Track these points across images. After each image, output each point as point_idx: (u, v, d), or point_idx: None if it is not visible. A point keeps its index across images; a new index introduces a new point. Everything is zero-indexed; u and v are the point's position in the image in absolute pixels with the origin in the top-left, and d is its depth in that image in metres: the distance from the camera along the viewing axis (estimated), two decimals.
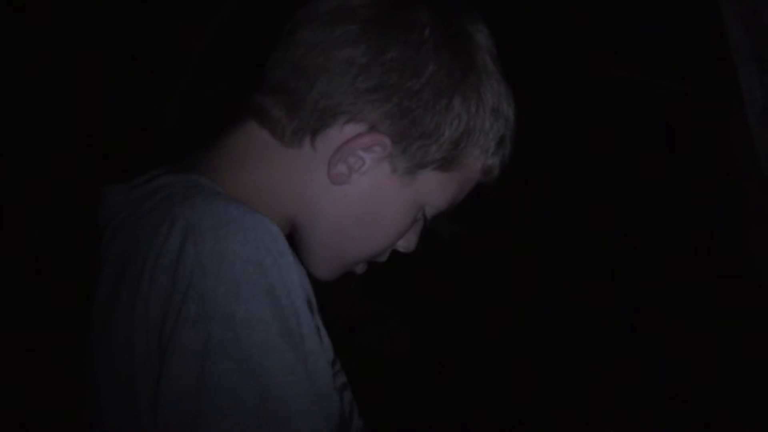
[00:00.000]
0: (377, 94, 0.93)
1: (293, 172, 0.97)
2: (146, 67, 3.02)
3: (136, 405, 0.83)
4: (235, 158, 0.98)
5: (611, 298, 3.66)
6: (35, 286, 3.03)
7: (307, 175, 0.97)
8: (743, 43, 1.74)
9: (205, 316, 0.78)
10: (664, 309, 3.54)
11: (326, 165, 0.95)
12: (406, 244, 1.06)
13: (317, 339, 0.86)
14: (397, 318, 3.64)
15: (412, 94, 0.94)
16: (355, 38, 0.94)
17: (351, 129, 0.94)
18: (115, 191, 0.98)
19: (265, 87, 0.98)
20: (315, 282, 0.95)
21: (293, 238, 1.02)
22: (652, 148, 3.63)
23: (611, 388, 3.44)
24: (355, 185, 0.97)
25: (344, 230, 0.99)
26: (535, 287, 3.78)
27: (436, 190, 1.00)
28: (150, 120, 3.13)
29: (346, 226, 0.99)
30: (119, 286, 0.86)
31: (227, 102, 1.07)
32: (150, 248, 0.82)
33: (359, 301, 3.53)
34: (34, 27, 2.92)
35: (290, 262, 0.83)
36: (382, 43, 0.93)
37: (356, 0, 0.96)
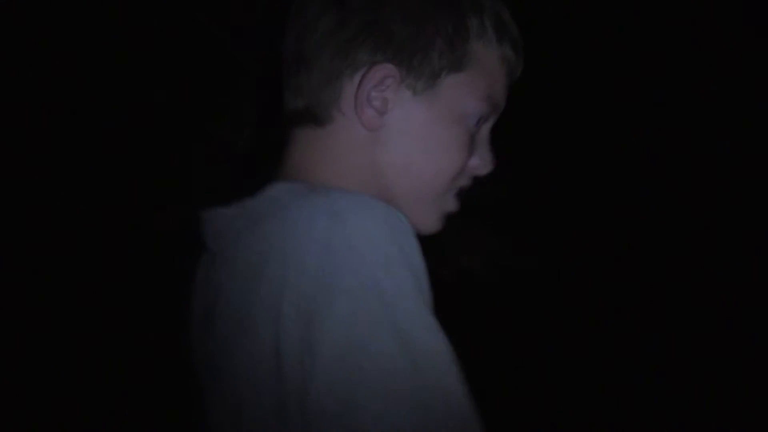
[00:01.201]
0: (360, 38, 0.98)
1: (344, 145, 1.01)
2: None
3: (284, 391, 0.84)
4: (306, 169, 1.02)
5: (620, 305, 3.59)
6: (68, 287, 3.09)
7: (353, 139, 1.01)
8: None
9: (359, 287, 0.80)
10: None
11: (356, 123, 1.00)
12: (480, 162, 1.07)
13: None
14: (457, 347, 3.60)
15: (387, 19, 0.97)
16: (324, 7, 0.99)
17: (357, 77, 0.99)
18: (222, 210, 1.01)
19: (285, 93, 1.04)
20: None
21: None
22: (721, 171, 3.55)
23: (612, 389, 3.42)
24: (392, 123, 1.00)
25: (411, 167, 1.01)
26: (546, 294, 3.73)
27: (464, 93, 1.01)
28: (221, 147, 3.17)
29: (410, 163, 1.01)
30: (258, 282, 0.87)
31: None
32: (294, 239, 0.85)
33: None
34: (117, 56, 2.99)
35: (416, 242, 0.86)
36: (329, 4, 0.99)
37: None
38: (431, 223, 1.06)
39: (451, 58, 0.99)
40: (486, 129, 1.07)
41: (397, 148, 1.01)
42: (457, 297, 3.27)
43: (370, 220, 0.84)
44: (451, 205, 1.08)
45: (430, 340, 0.81)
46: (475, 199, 3.33)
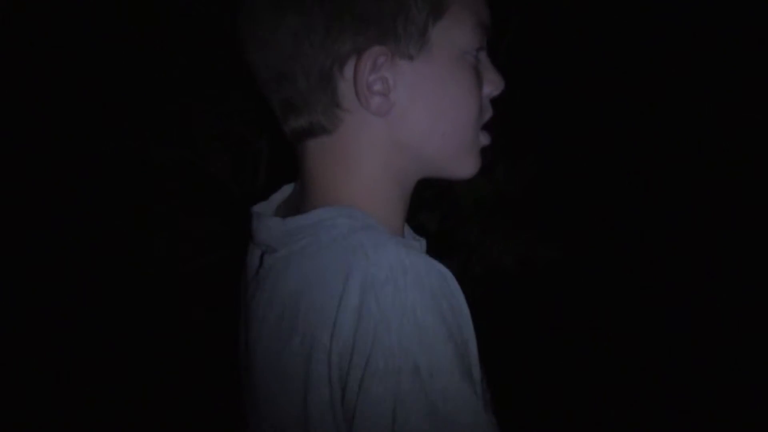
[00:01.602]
0: (334, 31, 0.93)
1: (363, 143, 0.98)
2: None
3: None
4: (331, 181, 0.99)
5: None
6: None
7: (370, 132, 0.97)
8: None
9: (393, 369, 0.79)
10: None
11: (367, 112, 0.96)
12: (491, 86, 1.04)
13: (480, 371, 0.87)
14: (497, 345, 3.62)
15: (343, 5, 0.92)
16: (279, 15, 0.94)
17: (347, 70, 0.95)
18: (270, 218, 1.00)
19: (280, 115, 1.00)
20: None
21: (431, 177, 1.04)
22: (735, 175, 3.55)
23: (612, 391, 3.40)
24: (401, 99, 0.96)
25: (435, 131, 0.98)
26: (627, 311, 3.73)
27: (455, 34, 0.97)
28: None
29: (433, 127, 0.98)
30: (291, 331, 0.88)
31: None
32: (326, 304, 0.84)
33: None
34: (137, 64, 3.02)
35: (461, 301, 0.85)
36: (284, 1, 0.94)
37: None
38: (473, 166, 1.04)
39: (430, 7, 0.95)
40: (483, 53, 1.03)
41: (415, 119, 0.97)
42: (490, 292, 3.30)
43: (407, 290, 0.82)
44: (485, 139, 1.05)
45: (465, 420, 0.80)
46: (499, 196, 3.34)
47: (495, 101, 1.06)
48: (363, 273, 0.83)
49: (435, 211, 3.18)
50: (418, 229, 1.14)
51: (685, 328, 3.65)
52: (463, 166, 1.03)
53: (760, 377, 3.31)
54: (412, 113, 0.97)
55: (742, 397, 3.28)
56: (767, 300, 3.57)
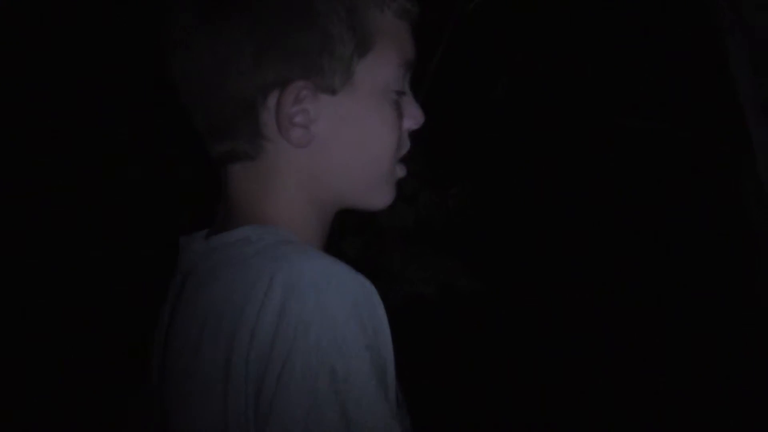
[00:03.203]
0: (258, 63, 0.92)
1: (284, 170, 0.98)
2: None
3: None
4: (253, 202, 0.99)
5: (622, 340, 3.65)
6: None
7: (291, 161, 0.97)
8: (753, 93, 1.76)
9: (311, 372, 0.79)
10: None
11: (289, 143, 0.95)
12: (413, 121, 1.04)
13: (397, 395, 0.87)
14: (415, 371, 3.62)
15: (276, 33, 0.93)
16: (201, 45, 0.94)
17: (271, 100, 0.94)
18: (195, 240, 1.00)
19: (204, 136, 1.00)
20: None
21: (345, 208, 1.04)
22: (662, 196, 3.64)
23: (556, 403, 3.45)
24: (321, 132, 0.96)
25: (354, 165, 0.99)
26: (553, 341, 3.77)
27: (380, 69, 0.97)
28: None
29: (352, 161, 0.99)
30: (213, 339, 0.87)
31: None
32: (247, 305, 0.83)
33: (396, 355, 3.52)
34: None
35: (382, 317, 0.85)
36: (212, 27, 0.94)
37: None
38: (387, 198, 1.04)
39: (356, 42, 0.95)
40: (406, 87, 1.02)
41: (334, 153, 0.97)
42: (410, 321, 3.30)
43: (329, 297, 0.82)
44: (401, 172, 1.05)
45: (378, 429, 0.80)
46: (422, 225, 3.35)
47: (420, 132, 1.07)
48: (286, 277, 0.83)
49: (357, 238, 3.18)
50: (339, 256, 1.14)
51: (608, 351, 3.70)
52: (378, 197, 1.04)
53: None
54: (332, 146, 0.97)
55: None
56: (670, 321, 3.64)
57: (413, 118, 1.04)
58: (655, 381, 3.58)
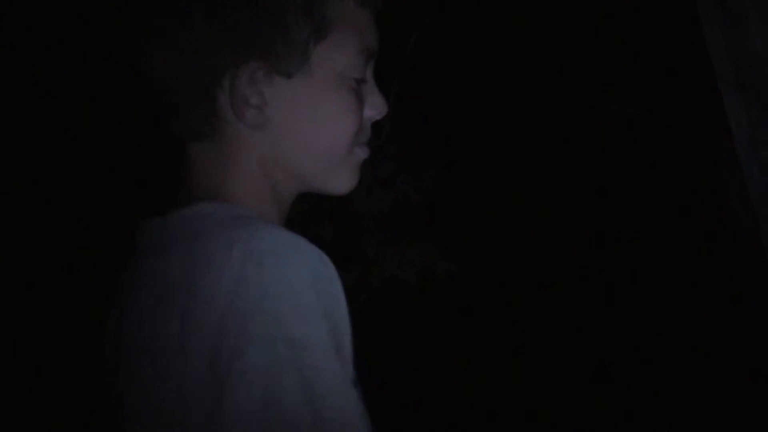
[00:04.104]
0: (213, 43, 0.94)
1: (239, 151, 0.98)
2: None
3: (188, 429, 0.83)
4: (211, 175, 1.00)
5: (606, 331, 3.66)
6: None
7: (246, 142, 0.98)
8: (728, 73, 1.75)
9: (269, 337, 0.79)
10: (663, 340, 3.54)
11: (244, 124, 0.96)
12: (373, 110, 1.05)
13: (352, 363, 0.87)
14: (392, 356, 3.62)
15: (232, 15, 0.93)
16: (161, 24, 0.96)
17: (225, 83, 0.95)
18: (151, 220, 1.00)
19: (162, 114, 1.00)
20: None
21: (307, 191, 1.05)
22: (641, 181, 3.65)
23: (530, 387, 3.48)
24: (276, 114, 0.97)
25: (310, 148, 1.00)
26: (530, 323, 3.79)
27: (337, 56, 0.99)
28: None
29: (308, 144, 0.99)
30: (164, 313, 0.86)
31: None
32: (205, 273, 0.83)
33: (354, 336, 3.51)
34: None
35: (339, 288, 0.85)
36: (170, 11, 0.95)
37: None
38: (349, 181, 1.04)
39: (312, 28, 0.96)
40: (369, 75, 1.04)
41: (289, 135, 0.98)
42: (388, 304, 3.29)
43: (288, 264, 0.82)
44: (362, 155, 1.05)
45: (337, 395, 0.80)
46: (399, 209, 3.34)
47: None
48: (245, 245, 0.83)
49: (333, 222, 3.17)
50: (315, 241, 1.13)
51: (586, 340, 3.72)
52: (338, 181, 1.04)
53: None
54: (287, 128, 0.98)
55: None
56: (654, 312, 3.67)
57: (375, 107, 1.05)
58: (627, 360, 3.59)
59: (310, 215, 3.17)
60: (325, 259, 0.85)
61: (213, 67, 0.95)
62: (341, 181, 1.04)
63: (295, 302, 0.81)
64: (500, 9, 3.41)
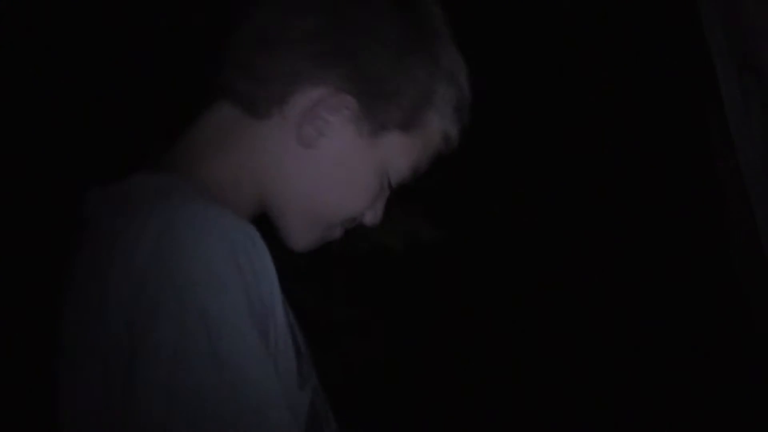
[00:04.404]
0: (338, 58, 0.96)
1: (267, 143, 0.99)
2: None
3: (110, 397, 0.82)
4: (210, 144, 0.99)
5: (591, 299, 3.66)
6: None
7: (280, 143, 0.98)
8: (722, 43, 1.73)
9: (180, 308, 0.78)
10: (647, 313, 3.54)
11: (293, 130, 0.97)
12: (374, 215, 1.08)
13: (289, 340, 0.87)
14: (377, 322, 3.63)
15: (371, 56, 0.96)
16: (312, 5, 0.97)
17: (316, 93, 0.96)
18: (95, 191, 0.98)
19: (230, 65, 1.00)
20: (296, 288, 0.93)
21: (269, 216, 1.04)
22: (633, 150, 3.64)
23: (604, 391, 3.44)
24: (324, 148, 0.98)
25: (319, 195, 1.01)
26: (515, 290, 3.78)
27: (399, 153, 1.01)
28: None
29: (321, 191, 1.00)
30: (90, 278, 0.86)
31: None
32: (125, 240, 0.83)
33: (339, 306, 3.51)
34: None
35: (266, 264, 0.84)
36: (339, 7, 0.97)
37: None
38: (306, 245, 1.05)
39: (405, 117, 0.99)
40: (392, 186, 1.06)
41: (314, 173, 0.99)
42: (375, 272, 3.28)
43: (206, 235, 0.81)
44: (335, 235, 1.08)
45: (251, 368, 0.79)
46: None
47: None
48: (166, 216, 0.82)
49: None
50: None
51: (567, 308, 3.72)
52: (301, 239, 1.04)
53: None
54: (316, 168, 0.99)
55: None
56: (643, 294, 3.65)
57: (374, 214, 1.07)
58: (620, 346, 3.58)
59: None
60: (252, 233, 0.84)
61: (321, 74, 0.96)
62: (301, 242, 1.04)
63: (210, 275, 0.79)
64: (501, 8, 3.38)
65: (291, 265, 1.02)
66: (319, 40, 0.96)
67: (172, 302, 0.78)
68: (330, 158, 0.99)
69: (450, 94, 1.02)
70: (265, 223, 1.01)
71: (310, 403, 0.96)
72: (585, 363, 3.58)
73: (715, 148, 2.04)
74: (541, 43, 3.51)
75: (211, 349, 0.77)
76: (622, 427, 3.42)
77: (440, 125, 1.03)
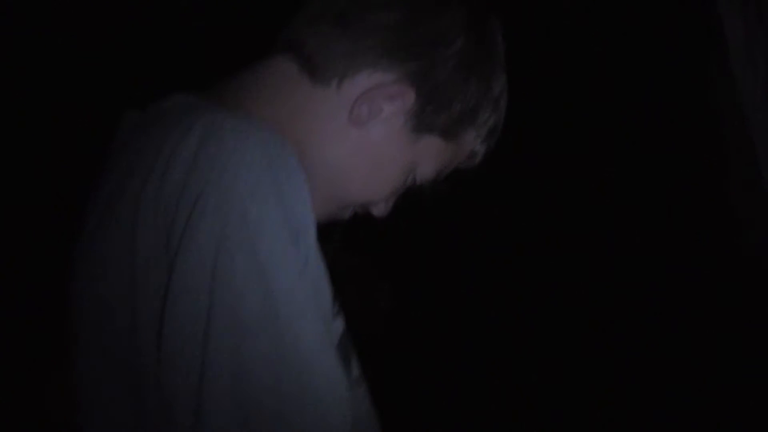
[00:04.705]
0: (409, 53, 1.00)
1: (314, 108, 1.01)
2: None
3: (136, 304, 0.83)
4: (264, 88, 1.02)
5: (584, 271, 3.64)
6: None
7: (328, 113, 1.01)
8: None
9: (222, 210, 0.78)
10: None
11: (347, 107, 1.00)
12: (385, 207, 1.12)
13: (323, 264, 0.87)
14: (378, 272, 3.63)
15: (440, 60, 1.01)
16: (395, 3, 1.01)
17: (379, 77, 1.00)
18: (130, 113, 1.00)
19: (305, 26, 1.03)
20: None
21: None
22: (631, 92, 3.59)
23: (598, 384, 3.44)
24: (369, 131, 1.01)
25: (348, 172, 1.03)
26: (515, 246, 3.77)
27: (431, 156, 1.06)
28: None
29: (351, 169, 1.03)
30: (125, 182, 0.86)
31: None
32: (165, 144, 0.83)
33: (340, 256, 3.51)
34: None
35: (303, 180, 0.84)
36: (421, 8, 1.02)
37: None
38: (318, 217, 1.03)
39: (449, 127, 1.04)
40: (408, 184, 1.10)
41: (352, 150, 1.02)
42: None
43: (247, 143, 0.81)
44: (344, 216, 1.11)
45: (288, 276, 0.79)
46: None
47: None
48: (207, 122, 0.83)
49: None
50: None
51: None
52: (317, 209, 1.02)
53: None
54: (359, 148, 1.02)
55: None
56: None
57: (384, 208, 1.12)
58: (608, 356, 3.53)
59: None
60: (291, 150, 0.85)
61: (391, 62, 1.00)
62: (317, 212, 1.05)
63: (252, 180, 0.80)
64: (500, 8, 3.30)
65: None
66: (396, 34, 1.00)
67: (215, 203, 0.78)
68: (372, 142, 1.02)
69: (491, 117, 1.08)
70: None
71: (342, 334, 1.01)
72: (594, 311, 3.56)
73: (717, 87, 2.00)
74: None
75: (253, 254, 0.77)
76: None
77: (473, 143, 1.09)
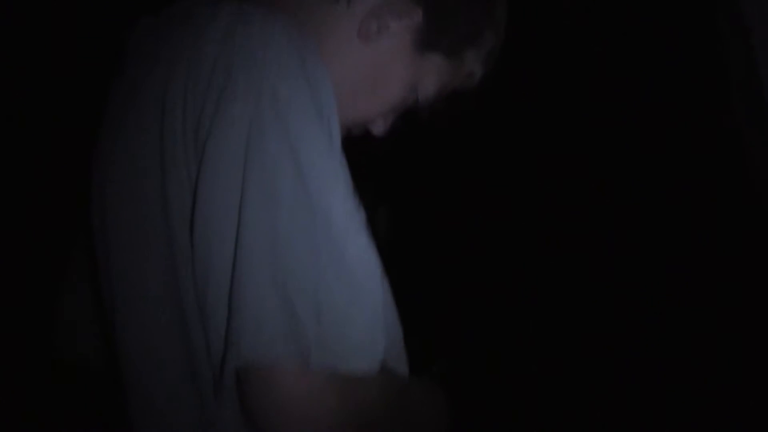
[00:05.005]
0: None
1: (332, 23, 1.03)
2: None
3: (168, 192, 0.83)
4: (284, 3, 1.01)
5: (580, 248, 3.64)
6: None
7: (342, 27, 1.03)
8: None
9: (252, 90, 0.79)
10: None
11: (357, 23, 1.02)
12: (384, 124, 1.14)
13: (343, 157, 0.87)
14: (375, 199, 3.57)
15: None
16: None
17: None
18: (144, 18, 1.01)
19: None
20: None
21: None
22: (631, 92, 3.58)
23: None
24: (378, 46, 1.03)
25: (351, 84, 1.04)
26: (514, 246, 3.75)
27: (434, 74, 1.08)
28: None
29: (354, 80, 1.04)
30: (146, 79, 0.86)
31: None
32: (192, 29, 0.84)
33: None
34: None
35: (325, 70, 0.86)
36: None
37: None
38: None
39: (453, 45, 1.07)
40: (408, 105, 1.12)
41: (359, 63, 1.04)
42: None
43: (275, 28, 0.82)
44: (355, 131, 1.13)
45: (317, 152, 0.80)
46: None
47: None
48: (235, 9, 0.84)
49: None
50: None
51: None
52: None
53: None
54: (364, 62, 1.04)
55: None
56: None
57: (383, 125, 1.13)
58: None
59: None
60: (314, 47, 0.87)
61: None
62: None
63: (281, 59, 0.81)
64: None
65: None
66: None
67: (244, 83, 0.79)
68: (378, 57, 1.04)
69: (491, 41, 1.10)
70: None
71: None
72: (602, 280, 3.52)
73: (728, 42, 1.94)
74: None
75: (283, 127, 0.79)
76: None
77: (472, 64, 1.11)
